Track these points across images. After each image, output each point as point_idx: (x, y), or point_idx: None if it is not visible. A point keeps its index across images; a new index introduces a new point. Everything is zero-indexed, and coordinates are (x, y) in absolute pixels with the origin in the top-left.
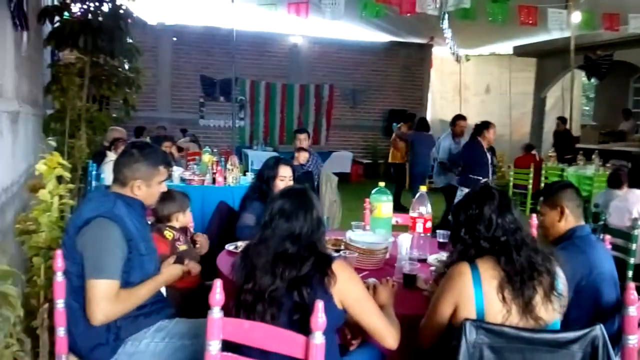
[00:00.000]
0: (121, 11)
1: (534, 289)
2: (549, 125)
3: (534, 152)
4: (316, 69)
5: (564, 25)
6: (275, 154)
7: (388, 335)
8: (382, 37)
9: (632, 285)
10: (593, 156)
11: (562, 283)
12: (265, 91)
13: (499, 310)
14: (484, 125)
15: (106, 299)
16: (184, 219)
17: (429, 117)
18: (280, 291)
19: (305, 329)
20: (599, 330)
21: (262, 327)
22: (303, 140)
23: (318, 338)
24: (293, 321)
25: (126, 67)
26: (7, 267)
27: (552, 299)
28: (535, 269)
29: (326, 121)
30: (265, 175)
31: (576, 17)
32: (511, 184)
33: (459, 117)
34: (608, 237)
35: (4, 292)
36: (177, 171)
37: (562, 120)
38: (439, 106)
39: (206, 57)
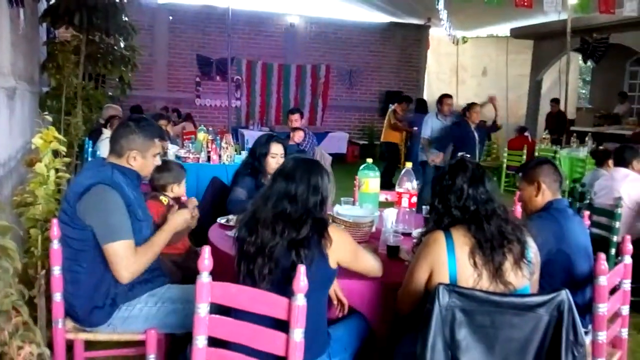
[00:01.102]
0: None
1: (504, 255)
2: (545, 108)
3: (526, 134)
4: (313, 49)
5: (559, 8)
6: (280, 137)
7: (377, 270)
8: (380, 18)
9: (602, 255)
10: (586, 138)
11: (532, 252)
12: (262, 71)
13: (471, 274)
14: (468, 107)
15: (127, 257)
16: (179, 190)
17: (425, 98)
18: (280, 248)
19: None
20: (564, 295)
21: (248, 290)
22: (295, 120)
23: (300, 300)
24: (288, 278)
25: (122, 45)
26: (5, 222)
27: (521, 266)
28: (505, 237)
29: (322, 102)
30: (258, 152)
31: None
32: (504, 165)
33: (446, 96)
34: (587, 213)
35: (3, 246)
36: (172, 149)
37: (555, 101)
38: (436, 87)
39: (202, 36)
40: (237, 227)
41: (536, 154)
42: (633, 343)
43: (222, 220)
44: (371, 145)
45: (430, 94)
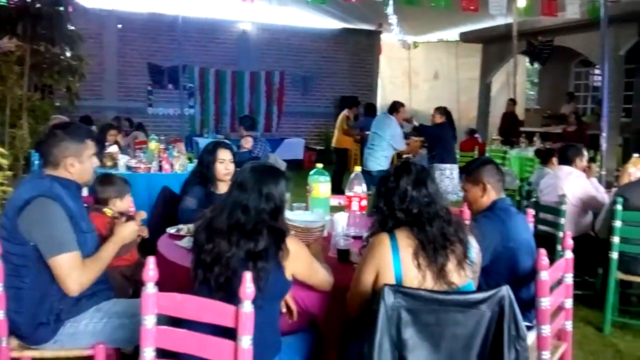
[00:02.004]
0: None
1: (447, 256)
2: (496, 110)
3: (476, 135)
4: (266, 56)
5: (504, 11)
6: (227, 142)
7: (328, 284)
8: (332, 24)
9: (543, 251)
10: (534, 138)
11: (474, 252)
12: (215, 78)
13: (415, 275)
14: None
15: (75, 270)
16: (122, 204)
17: (379, 103)
18: (237, 258)
19: (258, 296)
20: (505, 290)
21: (194, 299)
22: (243, 129)
23: (247, 307)
24: None
25: (68, 54)
26: None
27: (464, 266)
28: (448, 238)
29: (277, 108)
30: (205, 160)
31: (517, 2)
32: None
33: (401, 104)
34: (531, 211)
35: None
36: (123, 159)
37: (512, 101)
38: (389, 92)
39: (153, 44)
40: (194, 235)
41: (487, 154)
42: (580, 335)
43: (171, 230)
44: (327, 151)
45: (384, 98)
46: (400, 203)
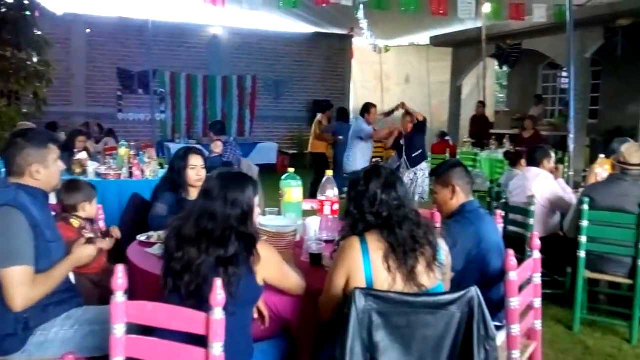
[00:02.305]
0: (26, 2)
1: (416, 259)
2: (466, 113)
3: (447, 138)
4: (238, 60)
5: (473, 15)
6: (199, 147)
7: (301, 289)
8: (304, 28)
9: (511, 252)
10: (504, 140)
11: (444, 254)
12: (187, 83)
13: (385, 278)
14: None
15: (23, 285)
16: (91, 209)
17: (352, 107)
18: (207, 265)
19: (228, 301)
20: (474, 291)
21: (164, 307)
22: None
23: (218, 314)
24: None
25: (35, 60)
26: None
27: (433, 268)
28: (417, 241)
29: (250, 112)
30: (177, 166)
31: (486, 7)
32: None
33: (372, 105)
34: (499, 212)
35: None
36: (92, 166)
37: (482, 104)
38: (361, 96)
39: (122, 48)
40: (164, 242)
41: (458, 157)
42: (550, 334)
43: (141, 237)
44: (301, 155)
45: (356, 102)
46: (370, 206)
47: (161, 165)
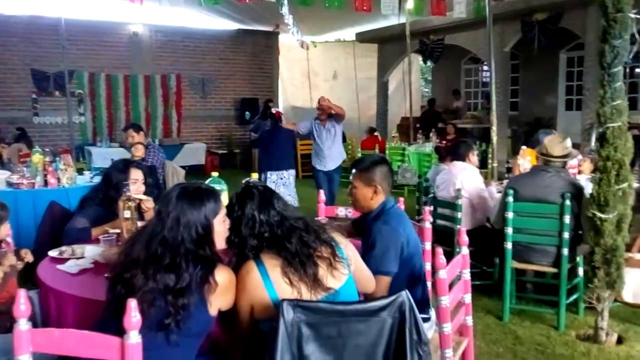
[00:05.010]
0: None
1: (315, 264)
2: (393, 108)
3: (376, 133)
4: (161, 59)
5: (396, 11)
6: (122, 150)
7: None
8: (228, 25)
9: (439, 250)
10: (430, 134)
11: (343, 246)
12: (106, 83)
13: (290, 293)
14: None
15: None
16: (2, 231)
17: (281, 104)
18: (154, 292)
19: (174, 331)
20: (404, 296)
21: (73, 333)
22: (130, 136)
23: (133, 338)
24: (163, 324)
25: None
26: None
27: (337, 266)
28: (310, 246)
29: (176, 112)
30: (114, 179)
31: (408, 3)
32: None
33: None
34: (427, 208)
35: None
36: (2, 175)
37: (433, 101)
38: (290, 93)
39: (36, 49)
40: (112, 265)
41: (387, 151)
42: (482, 325)
43: (53, 253)
44: (231, 155)
45: (285, 99)
46: (250, 230)
47: (80, 171)
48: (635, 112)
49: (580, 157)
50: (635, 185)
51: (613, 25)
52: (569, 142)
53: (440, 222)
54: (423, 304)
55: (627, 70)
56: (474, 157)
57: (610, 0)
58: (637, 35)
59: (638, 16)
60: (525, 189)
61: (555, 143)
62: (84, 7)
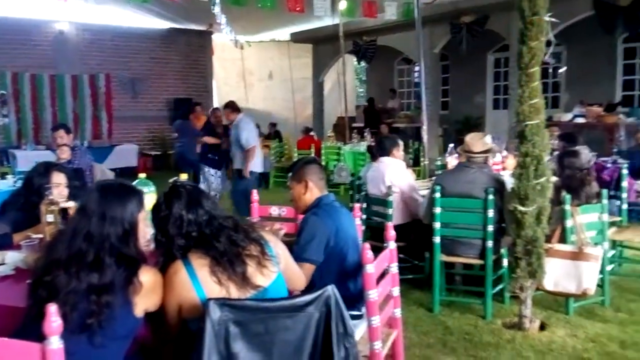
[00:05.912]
0: None
1: (244, 263)
2: (329, 107)
3: (312, 133)
4: (88, 58)
5: (329, 12)
6: (49, 152)
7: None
8: (158, 24)
9: (367, 245)
10: (365, 133)
11: (272, 244)
12: (31, 84)
13: (218, 292)
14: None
15: None
16: None
17: (217, 104)
18: (77, 293)
19: (97, 332)
20: (330, 290)
21: None
22: (59, 137)
23: (54, 343)
24: (86, 324)
25: None
26: None
27: (266, 264)
28: (239, 245)
29: (106, 113)
30: (36, 184)
31: (341, 5)
32: None
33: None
34: (357, 205)
35: None
36: None
37: (372, 99)
38: (225, 93)
39: None
40: (32, 269)
41: (322, 151)
42: (414, 318)
43: None
44: (164, 156)
45: (221, 99)
46: (178, 230)
47: (3, 175)
48: (558, 110)
49: (505, 153)
50: (553, 179)
51: (530, 27)
52: (489, 139)
53: (375, 218)
54: (357, 299)
55: (551, 70)
56: (399, 153)
57: (527, 4)
58: (552, 38)
59: (553, 19)
60: (450, 185)
61: (476, 140)
62: (5, 4)
